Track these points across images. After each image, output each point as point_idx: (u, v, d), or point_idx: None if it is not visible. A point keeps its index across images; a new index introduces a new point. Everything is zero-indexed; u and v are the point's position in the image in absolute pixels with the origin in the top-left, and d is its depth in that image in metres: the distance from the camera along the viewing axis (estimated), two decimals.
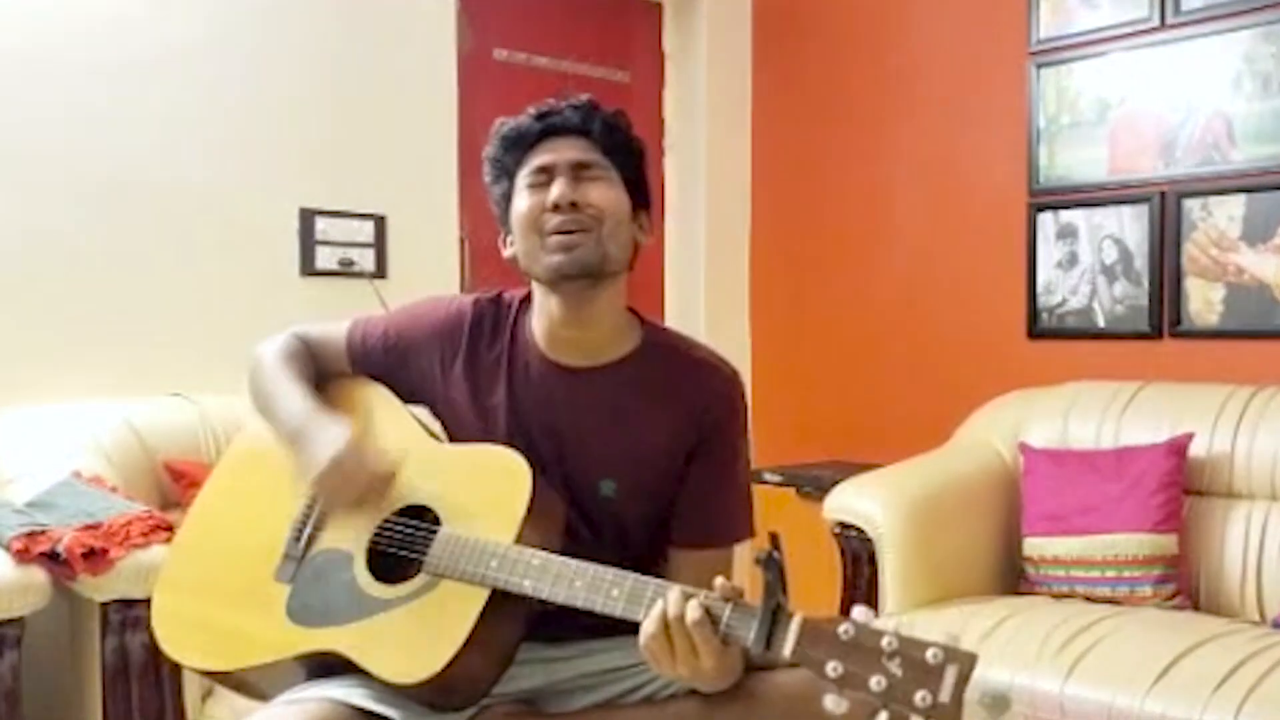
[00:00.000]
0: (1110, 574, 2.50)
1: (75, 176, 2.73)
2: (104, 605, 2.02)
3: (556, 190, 1.45)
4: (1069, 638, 2.24)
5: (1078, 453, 2.73)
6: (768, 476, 3.48)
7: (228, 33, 2.95)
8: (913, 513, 2.62)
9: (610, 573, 1.31)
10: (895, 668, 1.10)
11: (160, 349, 2.81)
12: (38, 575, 1.94)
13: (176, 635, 1.50)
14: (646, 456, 1.50)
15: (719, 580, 1.23)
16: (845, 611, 2.71)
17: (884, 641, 1.11)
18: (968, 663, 1.09)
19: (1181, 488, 2.56)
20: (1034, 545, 2.62)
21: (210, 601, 1.51)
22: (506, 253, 1.56)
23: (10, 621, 1.91)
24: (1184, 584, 2.50)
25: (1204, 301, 2.96)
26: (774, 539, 1.19)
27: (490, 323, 1.57)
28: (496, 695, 1.42)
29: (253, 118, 2.99)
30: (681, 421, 1.50)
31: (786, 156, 3.99)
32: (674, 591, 1.23)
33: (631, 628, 1.29)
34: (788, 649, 1.16)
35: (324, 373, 1.64)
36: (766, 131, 4.05)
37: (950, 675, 1.08)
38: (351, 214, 3.15)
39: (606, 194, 1.48)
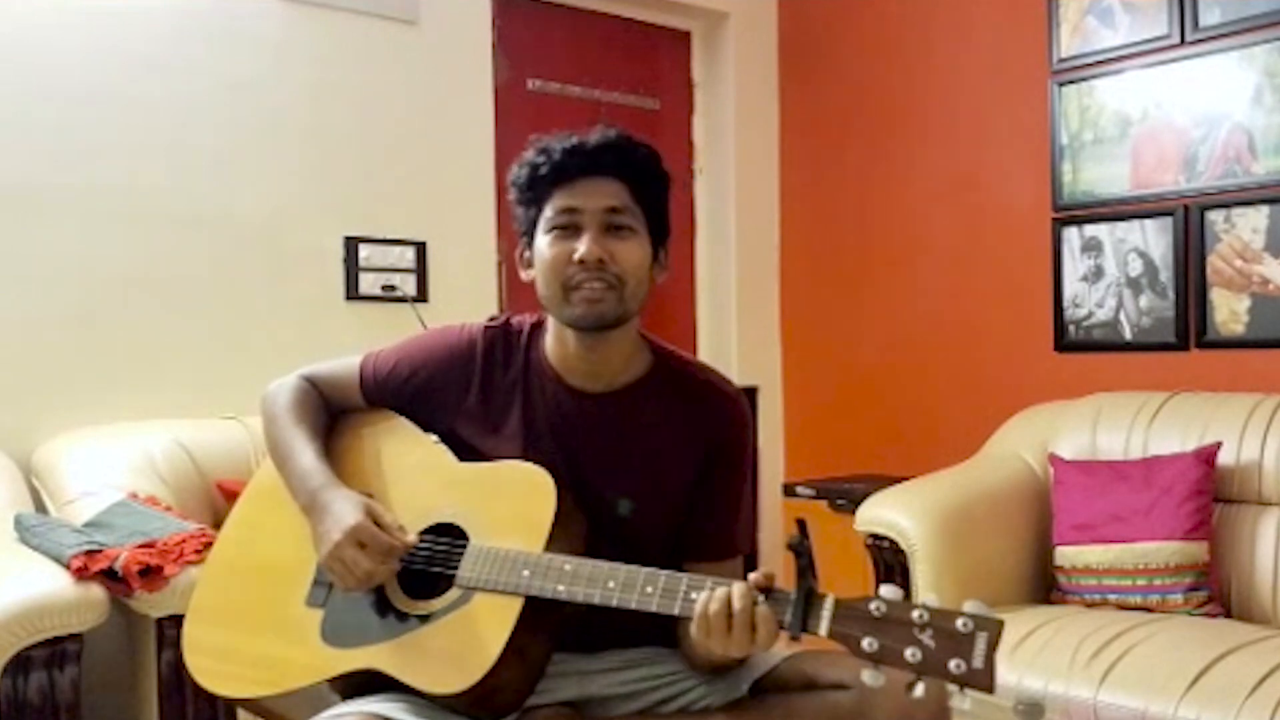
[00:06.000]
0: (1141, 582, 2.51)
1: (133, 207, 2.81)
2: (159, 621, 2.06)
3: (585, 246, 1.44)
4: (1101, 645, 2.25)
5: (1107, 463, 2.74)
6: (800, 490, 3.51)
7: (279, 72, 3.04)
8: (944, 524, 2.63)
9: (642, 572, 1.34)
10: (928, 639, 1.13)
11: (213, 373, 2.87)
12: (96, 592, 1.97)
13: (210, 667, 1.52)
14: (661, 476, 1.53)
15: (754, 574, 1.26)
16: None
17: (915, 614, 1.15)
18: (996, 629, 1.12)
19: (1211, 496, 2.56)
20: (1065, 555, 2.62)
21: (240, 631, 1.53)
22: (525, 275, 1.55)
23: (70, 637, 1.93)
24: (1215, 591, 2.51)
25: (1229, 312, 2.97)
26: (801, 525, 1.23)
27: (502, 349, 1.57)
28: (536, 703, 1.45)
29: (300, 151, 3.07)
30: (692, 444, 1.53)
31: (814, 178, 4.02)
32: (737, 585, 1.26)
33: (661, 638, 1.32)
34: (823, 628, 1.20)
35: (337, 410, 1.66)
36: (794, 154, 4.09)
37: (981, 642, 1.11)
38: (393, 241, 3.21)
39: (633, 254, 1.47)
